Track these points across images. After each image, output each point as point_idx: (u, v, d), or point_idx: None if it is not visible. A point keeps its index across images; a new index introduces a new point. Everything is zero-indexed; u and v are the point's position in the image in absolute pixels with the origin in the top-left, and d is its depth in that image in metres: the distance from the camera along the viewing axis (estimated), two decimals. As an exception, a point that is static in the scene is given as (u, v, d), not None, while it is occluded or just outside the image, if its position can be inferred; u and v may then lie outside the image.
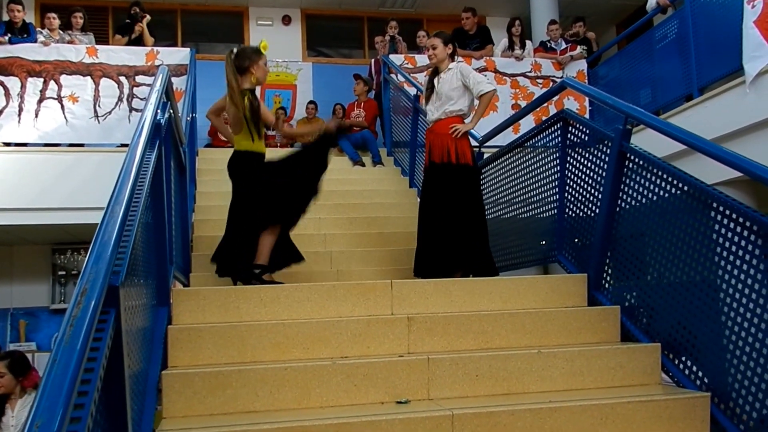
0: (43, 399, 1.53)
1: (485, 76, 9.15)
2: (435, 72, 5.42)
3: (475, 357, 3.52)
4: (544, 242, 5.07)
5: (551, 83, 9.45)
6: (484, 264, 5.05)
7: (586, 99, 9.30)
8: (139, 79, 8.11)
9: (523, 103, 9.24)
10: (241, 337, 3.59)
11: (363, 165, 8.59)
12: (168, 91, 4.38)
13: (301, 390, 3.30)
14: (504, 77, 9.43)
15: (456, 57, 5.45)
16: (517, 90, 9.42)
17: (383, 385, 3.38)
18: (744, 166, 3.40)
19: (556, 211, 4.86)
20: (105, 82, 8.02)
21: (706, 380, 3.47)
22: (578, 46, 9.85)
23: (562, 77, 9.49)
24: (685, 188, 3.65)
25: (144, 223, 3.20)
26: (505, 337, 3.88)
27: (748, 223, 3.27)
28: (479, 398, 3.42)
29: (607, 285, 4.32)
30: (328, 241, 6.11)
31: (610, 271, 4.30)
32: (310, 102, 10.51)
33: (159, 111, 3.92)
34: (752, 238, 3.25)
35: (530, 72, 9.56)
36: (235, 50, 4.88)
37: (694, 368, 3.56)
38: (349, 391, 3.34)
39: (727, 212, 3.38)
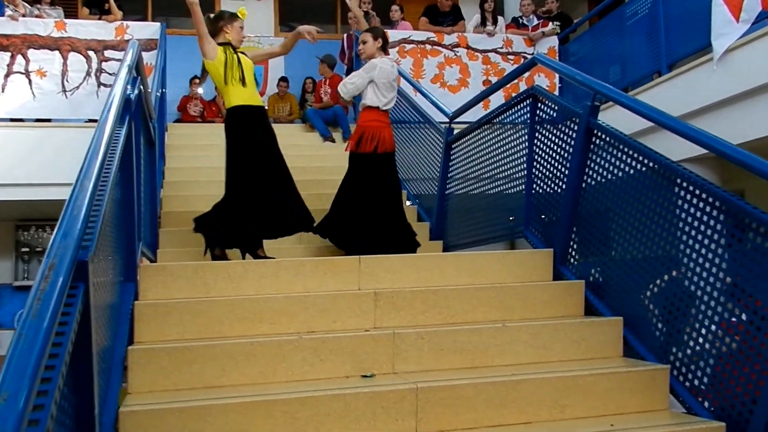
0: (9, 372, 1.52)
1: (456, 52, 9.29)
2: None
3: (440, 331, 3.56)
4: (511, 218, 5.10)
5: (522, 59, 9.48)
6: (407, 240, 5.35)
7: (556, 76, 9.37)
8: (108, 53, 8.02)
9: (494, 79, 9.27)
10: (207, 313, 3.59)
11: (333, 141, 8.59)
12: (138, 66, 4.35)
13: (267, 364, 3.32)
14: (475, 53, 9.45)
15: (387, 51, 5.67)
16: (489, 66, 9.44)
17: (349, 359, 3.41)
18: (708, 142, 3.43)
19: (523, 187, 4.88)
20: (73, 57, 7.92)
21: (666, 353, 3.53)
22: (550, 22, 9.86)
23: (533, 53, 9.53)
24: (651, 164, 3.69)
25: (113, 198, 3.19)
26: (470, 311, 3.91)
27: (710, 199, 3.31)
28: (444, 372, 3.45)
29: (572, 260, 4.37)
30: (297, 216, 6.11)
31: (575, 247, 4.35)
32: (282, 79, 10.44)
33: (129, 86, 3.90)
34: (714, 213, 3.30)
35: (502, 48, 9.57)
36: (210, 15, 5.13)
37: (655, 341, 3.62)
38: (314, 366, 3.37)
39: (691, 188, 3.42)
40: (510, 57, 9.58)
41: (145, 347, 3.29)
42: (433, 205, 6.29)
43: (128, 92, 3.78)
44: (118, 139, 3.30)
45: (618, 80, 8.42)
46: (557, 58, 9.68)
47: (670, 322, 3.53)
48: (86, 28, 8.10)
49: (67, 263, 1.91)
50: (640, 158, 3.75)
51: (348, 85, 5.45)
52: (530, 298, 4.03)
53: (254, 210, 4.80)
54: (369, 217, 5.27)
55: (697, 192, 3.39)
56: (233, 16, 5.08)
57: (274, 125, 9.81)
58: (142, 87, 4.38)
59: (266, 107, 10.13)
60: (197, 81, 9.58)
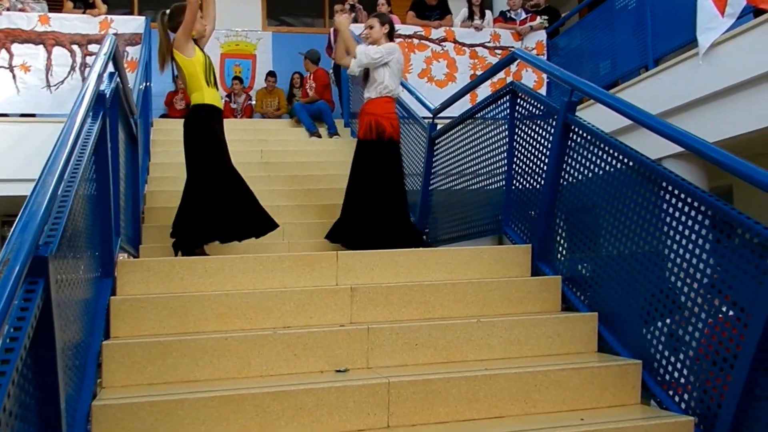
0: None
1: (443, 46, 9.29)
2: None
3: (414, 326, 3.58)
4: (492, 214, 5.11)
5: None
6: (411, 234, 5.34)
7: (543, 71, 9.36)
8: (93, 47, 7.98)
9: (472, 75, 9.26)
10: (184, 308, 3.61)
11: (319, 136, 8.59)
12: (116, 60, 4.35)
13: (241, 359, 3.34)
14: (463, 47, 9.45)
15: (393, 38, 5.64)
16: (476, 60, 9.43)
17: (323, 354, 3.43)
18: (683, 139, 3.42)
19: (504, 182, 4.90)
20: (57, 51, 7.91)
21: (639, 349, 3.55)
22: (538, 17, 9.85)
23: (521, 48, 9.53)
24: (627, 161, 3.69)
25: (85, 194, 3.21)
26: (447, 307, 3.94)
27: (684, 197, 3.31)
28: (418, 366, 3.48)
29: (550, 256, 4.38)
30: (281, 212, 6.08)
31: (554, 243, 4.36)
32: (270, 73, 10.43)
33: (104, 81, 3.90)
34: (687, 211, 3.29)
35: (489, 42, 9.56)
36: (167, 11, 4.98)
37: (628, 337, 3.64)
38: (289, 361, 3.39)
39: (667, 186, 3.42)
40: (497, 51, 9.56)
41: (119, 342, 3.30)
42: (416, 200, 6.29)
43: (102, 87, 3.77)
44: (90, 134, 3.31)
45: (607, 74, 8.42)
46: (545, 52, 9.69)
47: (643, 318, 3.54)
48: (70, 22, 8.07)
49: (23, 259, 1.91)
50: (617, 155, 3.76)
51: (365, 57, 5.34)
52: (507, 294, 4.05)
53: (223, 206, 4.79)
54: (378, 210, 5.24)
55: (671, 188, 3.39)
56: None
57: (262, 120, 9.94)
58: (120, 82, 4.37)
59: (254, 102, 10.28)
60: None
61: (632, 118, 3.75)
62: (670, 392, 3.33)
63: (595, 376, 3.38)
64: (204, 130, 4.87)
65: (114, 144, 4.05)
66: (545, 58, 9.63)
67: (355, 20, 9.70)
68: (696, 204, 3.25)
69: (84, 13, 8.40)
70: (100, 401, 2.90)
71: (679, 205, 3.35)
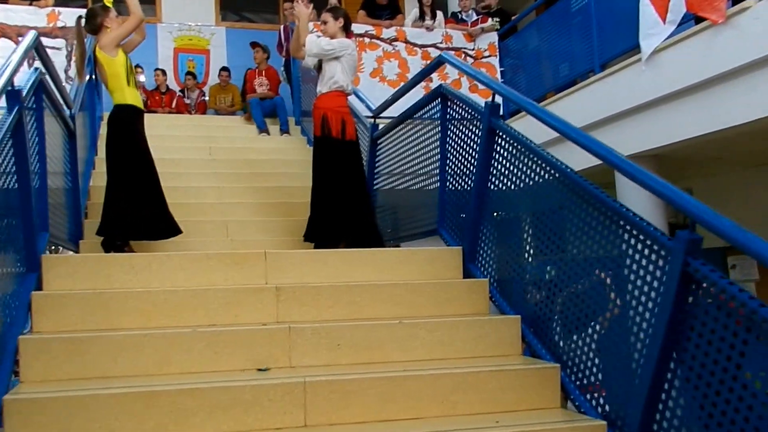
0: None
1: (394, 46, 9.28)
2: None
3: (337, 326, 3.61)
4: (429, 215, 5.14)
5: (463, 55, 9.51)
6: (370, 234, 5.17)
7: (498, 72, 9.49)
8: (41, 40, 7.89)
9: (434, 76, 9.25)
10: (106, 304, 3.60)
11: (268, 134, 8.56)
12: (41, 55, 4.32)
13: (161, 357, 3.34)
14: (415, 48, 9.43)
15: (350, 32, 5.54)
16: (428, 61, 9.41)
17: (245, 353, 3.44)
18: (596, 150, 3.41)
19: (438, 184, 4.95)
20: (3, 43, 7.78)
21: (560, 352, 3.61)
22: (490, 18, 9.90)
23: (473, 49, 9.59)
24: (547, 168, 3.72)
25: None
26: (374, 307, 3.96)
27: (597, 204, 3.35)
28: (341, 366, 3.50)
29: (479, 258, 4.42)
30: (226, 210, 6.06)
31: (483, 245, 4.40)
32: (223, 69, 10.35)
33: (19, 76, 3.83)
34: (599, 218, 3.34)
35: (441, 43, 9.56)
36: (81, 16, 5.05)
37: (549, 341, 3.69)
38: (210, 359, 3.39)
39: (582, 194, 3.45)
40: (450, 53, 9.56)
41: (35, 337, 3.30)
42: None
43: (19, 83, 3.72)
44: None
45: (561, 77, 8.49)
46: (497, 53, 9.73)
47: (563, 322, 3.60)
48: (17, 14, 7.98)
49: None
50: (538, 161, 3.80)
51: (314, 47, 5.22)
52: (435, 296, 4.08)
53: (133, 207, 4.80)
54: (332, 208, 5.13)
55: (587, 198, 3.42)
56: (104, 8, 5.00)
57: (213, 116, 9.87)
58: (50, 76, 4.34)
59: (208, 97, 10.21)
60: (139, 69, 9.45)
61: (550, 125, 3.77)
62: (587, 396, 3.38)
63: (514, 378, 3.42)
64: (126, 130, 4.90)
65: (41, 139, 4.02)
66: (497, 59, 9.71)
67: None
68: (604, 210, 3.29)
69: (31, 5, 8.28)
70: (12, 395, 2.90)
71: (591, 211, 3.39)
